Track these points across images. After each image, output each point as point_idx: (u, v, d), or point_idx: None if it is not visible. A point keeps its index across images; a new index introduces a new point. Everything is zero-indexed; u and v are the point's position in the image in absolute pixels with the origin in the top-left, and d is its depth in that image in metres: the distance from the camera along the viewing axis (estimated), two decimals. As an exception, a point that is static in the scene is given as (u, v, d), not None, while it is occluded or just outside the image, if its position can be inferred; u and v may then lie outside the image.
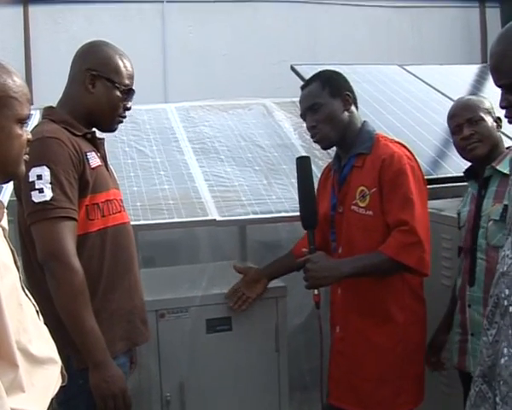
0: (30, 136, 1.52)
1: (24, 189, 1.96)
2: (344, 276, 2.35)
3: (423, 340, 2.52)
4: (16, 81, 1.46)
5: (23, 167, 1.51)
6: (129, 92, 2.19)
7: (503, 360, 1.60)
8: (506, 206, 2.13)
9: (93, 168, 2.06)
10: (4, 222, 1.47)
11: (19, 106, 1.45)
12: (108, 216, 2.09)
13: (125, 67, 2.17)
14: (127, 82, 2.17)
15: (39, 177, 1.94)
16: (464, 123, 2.40)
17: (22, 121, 1.47)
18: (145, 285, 2.44)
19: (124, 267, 2.14)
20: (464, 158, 2.47)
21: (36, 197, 1.93)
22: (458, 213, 2.50)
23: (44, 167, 1.95)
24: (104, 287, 2.07)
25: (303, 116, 2.54)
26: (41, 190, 1.93)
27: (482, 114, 2.39)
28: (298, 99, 2.58)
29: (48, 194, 1.93)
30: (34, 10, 5.40)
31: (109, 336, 2.03)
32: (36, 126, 2.13)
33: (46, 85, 4.46)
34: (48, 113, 2.17)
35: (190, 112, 3.67)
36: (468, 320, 2.36)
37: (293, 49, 5.72)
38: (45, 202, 1.93)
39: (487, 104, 2.44)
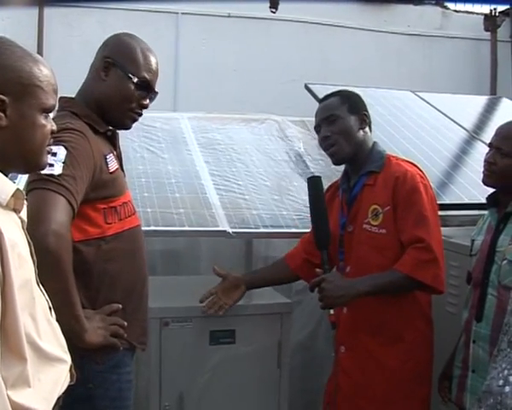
0: (54, 127, 1.47)
1: None
2: (360, 294, 2.31)
3: (431, 360, 2.48)
4: (43, 70, 1.42)
5: (45, 158, 1.47)
6: (146, 87, 2.02)
7: (507, 388, 1.58)
8: None
9: (111, 172, 1.94)
10: (23, 214, 1.44)
11: (44, 95, 1.41)
12: (125, 219, 2.00)
13: (146, 59, 2.01)
14: (144, 75, 2.00)
15: (54, 154, 1.75)
16: (493, 148, 2.33)
17: (47, 111, 1.43)
18: (150, 292, 2.42)
19: (138, 271, 2.06)
20: None
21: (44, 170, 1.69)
22: (472, 240, 2.43)
23: (62, 147, 1.78)
24: (122, 289, 1.99)
25: (317, 128, 2.50)
26: (51, 165, 1.73)
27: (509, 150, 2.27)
28: (307, 119, 2.56)
29: (57, 170, 1.75)
30: (49, 13, 5.39)
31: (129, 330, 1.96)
32: (55, 118, 1.93)
33: (58, 89, 4.44)
34: (69, 104, 2.00)
35: (202, 122, 3.66)
36: (470, 356, 2.30)
37: (304, 69, 5.70)
38: (52, 175, 1.74)
39: None
